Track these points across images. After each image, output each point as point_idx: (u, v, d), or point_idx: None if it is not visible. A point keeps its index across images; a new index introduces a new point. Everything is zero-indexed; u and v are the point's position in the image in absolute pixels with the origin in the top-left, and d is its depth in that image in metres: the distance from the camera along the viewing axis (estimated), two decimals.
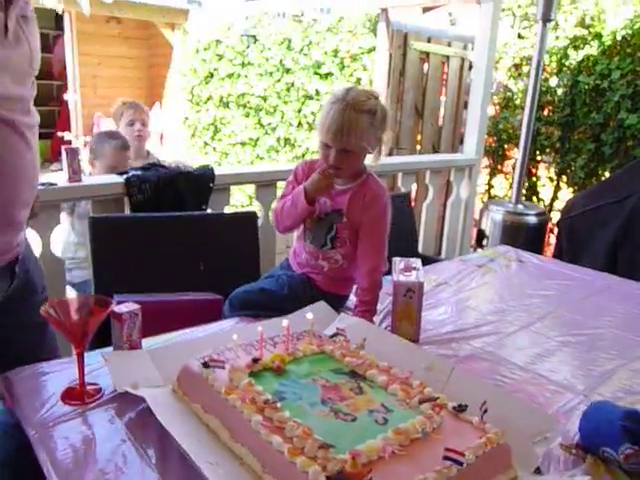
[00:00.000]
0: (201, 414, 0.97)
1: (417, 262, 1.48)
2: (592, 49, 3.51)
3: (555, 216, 3.78)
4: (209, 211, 2.19)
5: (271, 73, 5.92)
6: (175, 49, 7.19)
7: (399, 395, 0.97)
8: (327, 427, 0.86)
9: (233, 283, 1.67)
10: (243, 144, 6.29)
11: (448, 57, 4.00)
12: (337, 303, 1.47)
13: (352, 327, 1.23)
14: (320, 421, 0.88)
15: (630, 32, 3.34)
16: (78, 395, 1.03)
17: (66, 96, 6.89)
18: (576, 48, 3.59)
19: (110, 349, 1.18)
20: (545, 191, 4.04)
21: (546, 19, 2.77)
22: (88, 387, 1.06)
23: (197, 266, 1.89)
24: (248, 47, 6.02)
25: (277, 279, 1.55)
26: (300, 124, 5.66)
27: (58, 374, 1.12)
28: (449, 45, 3.98)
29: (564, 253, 2.69)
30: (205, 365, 1.01)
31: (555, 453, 0.94)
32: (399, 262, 1.47)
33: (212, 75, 6.61)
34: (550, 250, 3.54)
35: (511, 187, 4.05)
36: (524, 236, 3.09)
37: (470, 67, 4.10)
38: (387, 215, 1.48)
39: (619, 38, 3.40)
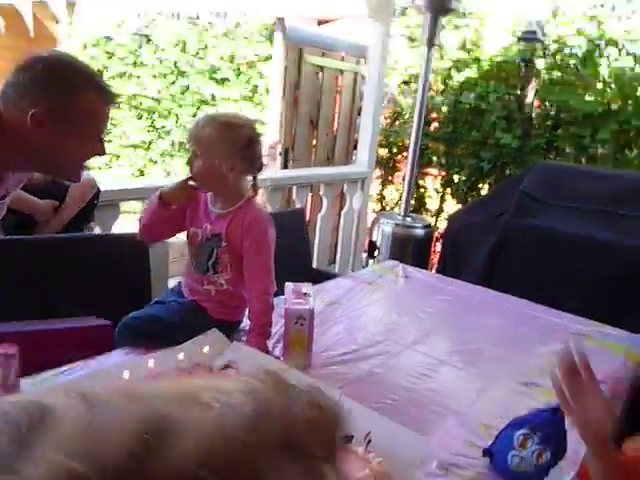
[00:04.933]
0: None
1: (308, 287, 1.52)
2: (472, 72, 3.78)
3: (441, 225, 4.04)
4: (97, 231, 2.09)
5: (165, 75, 5.75)
6: (60, 43, 6.74)
7: None
8: None
9: (123, 308, 1.62)
10: (135, 147, 6.05)
11: (342, 71, 4.12)
12: (229, 330, 1.47)
13: (243, 357, 1.24)
14: None
15: (504, 59, 3.65)
16: None
17: None
18: (458, 70, 3.85)
19: None
20: (431, 202, 4.30)
21: (431, 44, 2.94)
22: None
23: (83, 291, 1.80)
24: (140, 47, 5.80)
25: (167, 306, 1.52)
26: None
27: None
28: (342, 60, 4.11)
29: (447, 266, 2.87)
30: None
31: (437, 473, 1.02)
32: (290, 287, 1.50)
33: (101, 73, 6.29)
34: (436, 258, 3.76)
35: (401, 197, 4.26)
36: (412, 247, 3.27)
37: (363, 78, 4.26)
38: (268, 237, 1.48)
39: (495, 63, 3.70)
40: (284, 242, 2.44)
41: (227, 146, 1.37)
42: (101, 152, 1.19)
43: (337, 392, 1.17)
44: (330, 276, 2.34)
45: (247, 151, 1.40)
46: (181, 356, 1.12)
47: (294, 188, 3.15)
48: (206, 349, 1.18)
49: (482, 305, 1.96)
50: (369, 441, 0.95)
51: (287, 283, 1.56)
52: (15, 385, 1.12)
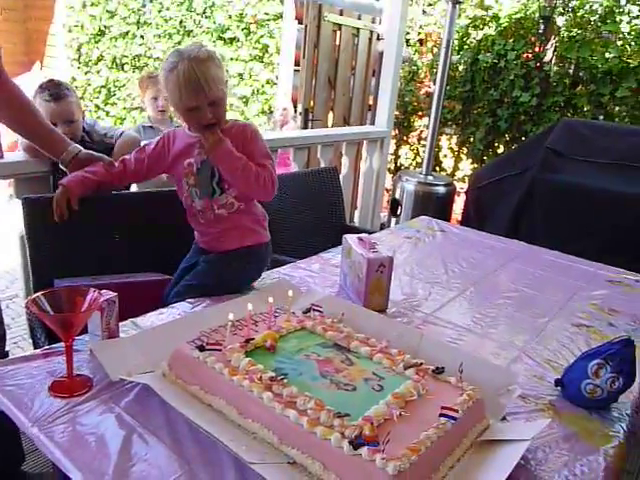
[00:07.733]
0: (202, 396, 1.01)
1: (367, 238, 1.58)
2: (490, 29, 3.78)
3: (457, 185, 4.10)
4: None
5: (170, 35, 5.66)
6: (58, 2, 6.58)
7: (385, 363, 1.08)
8: (333, 398, 0.94)
9: (174, 261, 1.71)
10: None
11: (358, 29, 4.09)
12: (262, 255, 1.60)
13: (324, 302, 1.32)
14: (325, 393, 0.96)
15: (523, 15, 3.64)
16: (69, 387, 1.02)
17: None
18: (476, 28, 3.84)
19: (84, 337, 1.17)
20: (447, 161, 4.34)
21: (456, 1, 2.94)
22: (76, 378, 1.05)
23: (138, 247, 1.85)
24: (144, 6, 5.69)
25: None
26: None
27: (35, 368, 1.09)
28: (359, 18, 4.07)
29: (471, 220, 2.95)
30: (201, 348, 1.05)
31: (516, 402, 1.11)
32: (354, 239, 1.56)
33: (103, 33, 6.18)
34: (454, 215, 3.84)
35: (415, 157, 4.31)
36: (434, 205, 3.33)
37: (378, 38, 4.24)
38: (257, 134, 1.52)
39: (514, 21, 3.70)
40: (321, 199, 2.51)
41: (222, 74, 1.42)
42: None
43: (417, 330, 1.26)
44: (366, 232, 2.41)
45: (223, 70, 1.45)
46: (271, 299, 1.19)
47: (318, 147, 3.18)
48: (290, 293, 1.25)
49: (520, 256, 2.05)
50: (461, 371, 1.03)
51: (345, 235, 1.63)
52: (116, 329, 1.19)
